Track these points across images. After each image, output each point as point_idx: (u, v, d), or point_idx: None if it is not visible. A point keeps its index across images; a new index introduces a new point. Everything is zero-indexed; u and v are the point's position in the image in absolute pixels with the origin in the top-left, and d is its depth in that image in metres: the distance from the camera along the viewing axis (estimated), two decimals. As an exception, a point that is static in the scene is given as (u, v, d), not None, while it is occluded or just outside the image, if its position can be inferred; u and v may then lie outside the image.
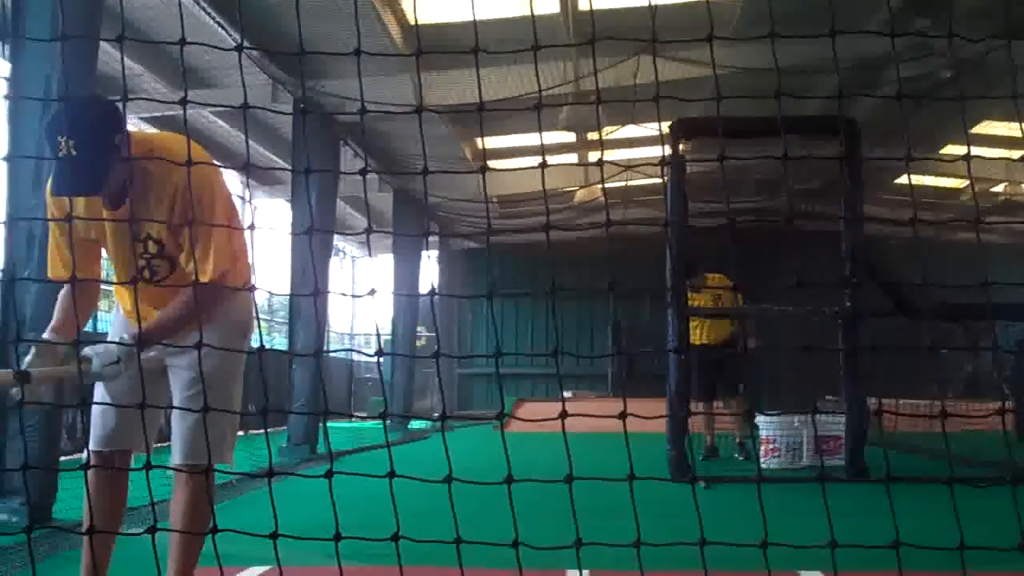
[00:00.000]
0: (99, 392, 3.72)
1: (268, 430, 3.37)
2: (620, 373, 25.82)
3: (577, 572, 4.62)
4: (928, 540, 2.98)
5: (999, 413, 2.92)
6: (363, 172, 3.28)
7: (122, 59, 3.20)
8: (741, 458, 11.19)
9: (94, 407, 3.77)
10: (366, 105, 3.41)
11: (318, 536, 3.08)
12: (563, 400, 3.24)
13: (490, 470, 3.07)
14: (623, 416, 3.00)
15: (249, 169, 3.64)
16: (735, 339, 11.34)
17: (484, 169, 3.24)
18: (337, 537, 2.99)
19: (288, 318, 13.96)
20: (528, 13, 12.22)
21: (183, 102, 3.19)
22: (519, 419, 11.24)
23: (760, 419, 10.90)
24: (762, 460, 10.64)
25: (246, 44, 3.34)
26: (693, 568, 3.58)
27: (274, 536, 3.03)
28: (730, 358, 11.16)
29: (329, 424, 13.15)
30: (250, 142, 17.12)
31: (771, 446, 10.59)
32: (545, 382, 26.88)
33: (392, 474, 3.03)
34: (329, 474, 3.05)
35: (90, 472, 3.72)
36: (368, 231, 3.16)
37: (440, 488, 3.11)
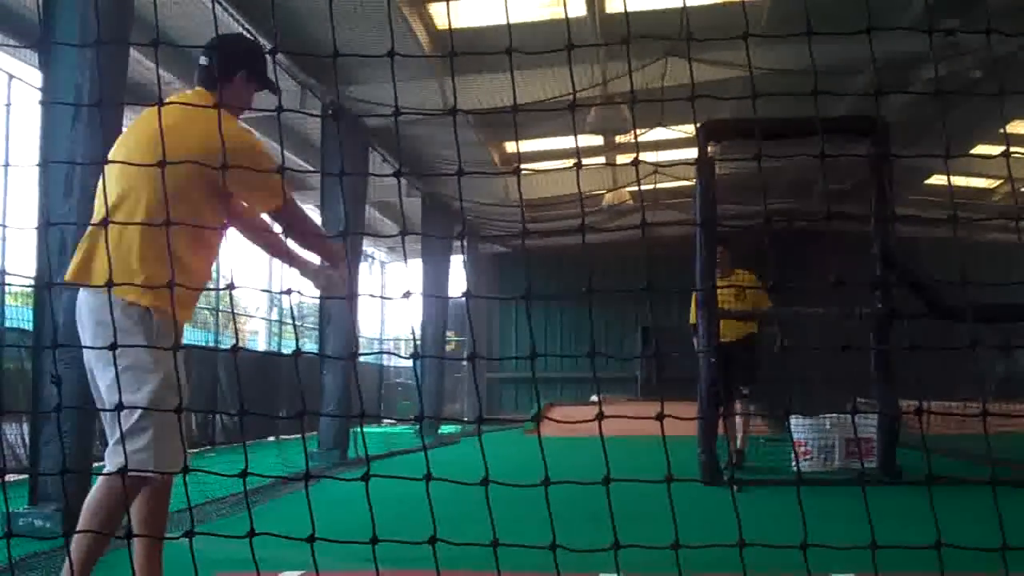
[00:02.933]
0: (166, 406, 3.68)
1: (304, 434, 3.38)
2: (650, 376, 25.76)
3: None
4: (966, 542, 2.96)
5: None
6: (398, 174, 3.28)
7: (156, 64, 3.22)
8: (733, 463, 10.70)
9: (171, 423, 3.63)
10: (399, 109, 3.40)
11: (352, 539, 3.07)
12: (599, 402, 3.23)
13: (520, 474, 3.07)
14: (660, 418, 2.99)
15: (284, 173, 3.65)
16: (751, 339, 11.01)
17: (518, 170, 3.22)
18: (374, 540, 2.98)
19: (318, 323, 14.00)
20: (553, 17, 12.24)
21: (217, 107, 3.19)
22: (551, 420, 11.14)
23: (792, 422, 10.76)
24: (793, 463, 10.57)
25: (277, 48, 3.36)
26: (728, 571, 3.57)
27: (311, 539, 3.03)
28: (743, 359, 10.91)
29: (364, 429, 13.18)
30: (278, 147, 17.16)
31: (803, 449, 10.52)
32: (574, 386, 26.83)
33: (429, 477, 3.03)
34: (366, 477, 3.04)
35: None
36: (403, 234, 3.16)
37: (471, 492, 3.11)
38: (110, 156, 3.95)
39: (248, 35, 11.14)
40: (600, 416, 3.01)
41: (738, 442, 10.98)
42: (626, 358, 26.26)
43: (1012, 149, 3.18)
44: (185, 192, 3.75)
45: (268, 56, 4.30)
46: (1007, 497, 3.14)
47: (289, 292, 3.22)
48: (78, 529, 3.64)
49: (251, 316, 23.98)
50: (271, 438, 15.95)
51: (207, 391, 14.32)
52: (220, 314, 18.40)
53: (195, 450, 13.51)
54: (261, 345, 22.23)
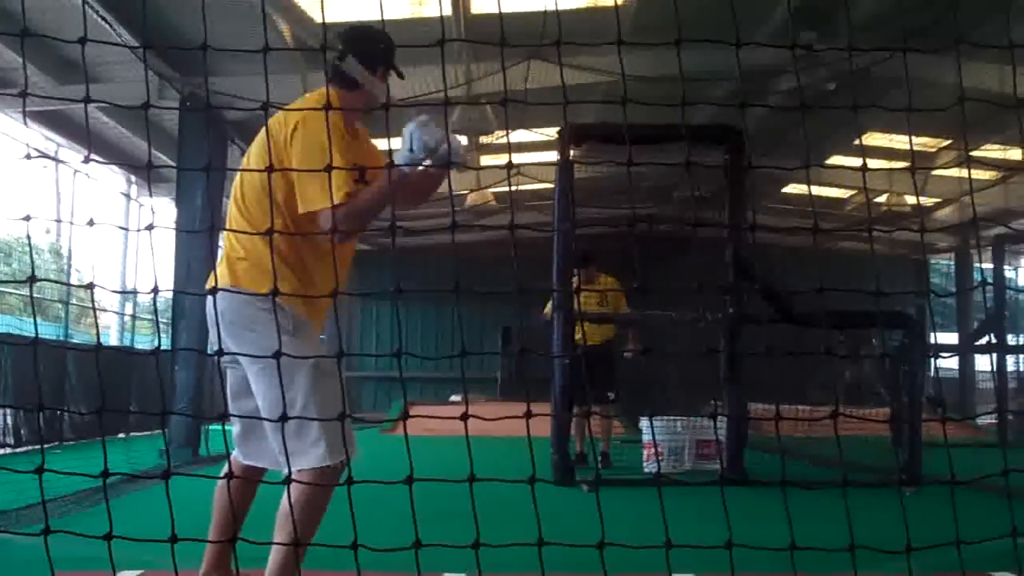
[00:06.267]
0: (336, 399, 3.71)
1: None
2: (509, 376, 25.89)
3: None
4: (805, 542, 3.04)
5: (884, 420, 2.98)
6: (269, 170, 3.25)
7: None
8: (601, 467, 10.94)
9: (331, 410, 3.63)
10: (258, 102, 3.38)
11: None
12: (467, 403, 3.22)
13: (375, 474, 3.05)
14: (464, 418, 3.05)
15: (150, 170, 3.53)
16: (611, 343, 11.28)
17: (390, 166, 3.20)
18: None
19: (171, 318, 13.72)
20: (417, 15, 12.23)
21: (86, 101, 3.10)
22: (418, 416, 11.01)
23: (643, 423, 10.97)
24: (644, 464, 10.73)
25: (144, 43, 3.28)
26: (574, 571, 3.60)
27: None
28: (604, 362, 11.10)
29: (215, 427, 12.97)
30: (136, 139, 16.83)
31: (653, 450, 10.69)
32: (434, 386, 26.82)
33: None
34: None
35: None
36: (270, 233, 3.11)
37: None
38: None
39: (106, 25, 10.90)
40: (465, 416, 3.03)
41: (601, 444, 11.19)
42: (494, 353, 26.29)
43: (859, 162, 3.28)
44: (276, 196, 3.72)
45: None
46: (847, 498, 3.22)
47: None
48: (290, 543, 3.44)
49: (104, 310, 23.38)
50: (121, 435, 15.58)
51: (55, 386, 13.90)
52: (71, 307, 17.94)
53: (40, 446, 13.12)
54: (113, 340, 21.69)
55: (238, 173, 4.01)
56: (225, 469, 3.77)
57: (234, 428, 3.90)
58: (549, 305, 10.92)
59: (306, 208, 3.67)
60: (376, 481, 2.99)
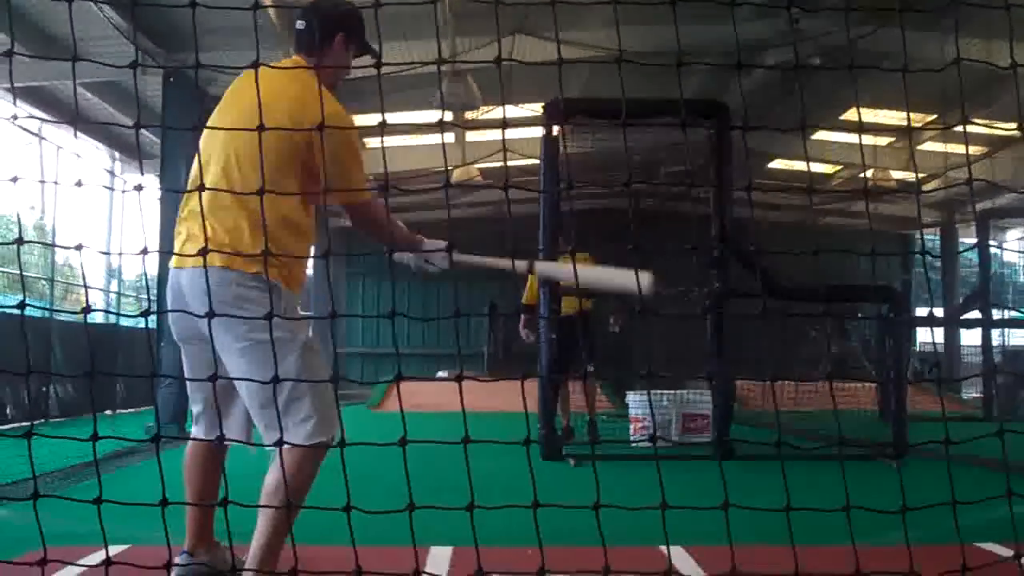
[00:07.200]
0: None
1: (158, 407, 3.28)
2: (496, 352, 25.94)
3: (441, 548, 4.62)
4: (793, 514, 3.05)
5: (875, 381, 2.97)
6: (260, 128, 3.22)
7: None
8: (587, 439, 10.97)
9: (324, 386, 3.61)
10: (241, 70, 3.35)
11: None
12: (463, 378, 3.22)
13: (364, 449, 3.04)
14: (459, 378, 3.05)
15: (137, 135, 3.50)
16: (587, 315, 11.24)
17: (383, 125, 3.23)
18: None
19: (157, 294, 13.66)
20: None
21: (73, 60, 3.08)
22: (408, 379, 10.94)
23: (630, 397, 10.96)
24: (631, 437, 10.73)
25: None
26: (561, 543, 3.60)
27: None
28: (582, 333, 11.00)
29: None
30: (117, 114, 16.74)
31: (640, 424, 10.69)
32: (420, 361, 26.89)
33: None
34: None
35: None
36: (253, 193, 3.08)
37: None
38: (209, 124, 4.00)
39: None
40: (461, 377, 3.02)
41: (569, 419, 11.21)
42: (481, 315, 26.28)
43: (843, 137, 3.28)
44: (268, 169, 3.56)
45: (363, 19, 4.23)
46: (834, 466, 3.23)
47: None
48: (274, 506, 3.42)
49: (90, 287, 23.29)
50: (108, 412, 15.57)
51: (40, 363, 13.85)
52: (56, 284, 17.85)
53: (28, 423, 13.09)
54: (99, 318, 21.63)
55: (219, 149, 3.88)
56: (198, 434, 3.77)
57: (195, 407, 3.88)
58: (531, 286, 11.02)
59: (356, 197, 3.91)
60: (368, 443, 2.97)
